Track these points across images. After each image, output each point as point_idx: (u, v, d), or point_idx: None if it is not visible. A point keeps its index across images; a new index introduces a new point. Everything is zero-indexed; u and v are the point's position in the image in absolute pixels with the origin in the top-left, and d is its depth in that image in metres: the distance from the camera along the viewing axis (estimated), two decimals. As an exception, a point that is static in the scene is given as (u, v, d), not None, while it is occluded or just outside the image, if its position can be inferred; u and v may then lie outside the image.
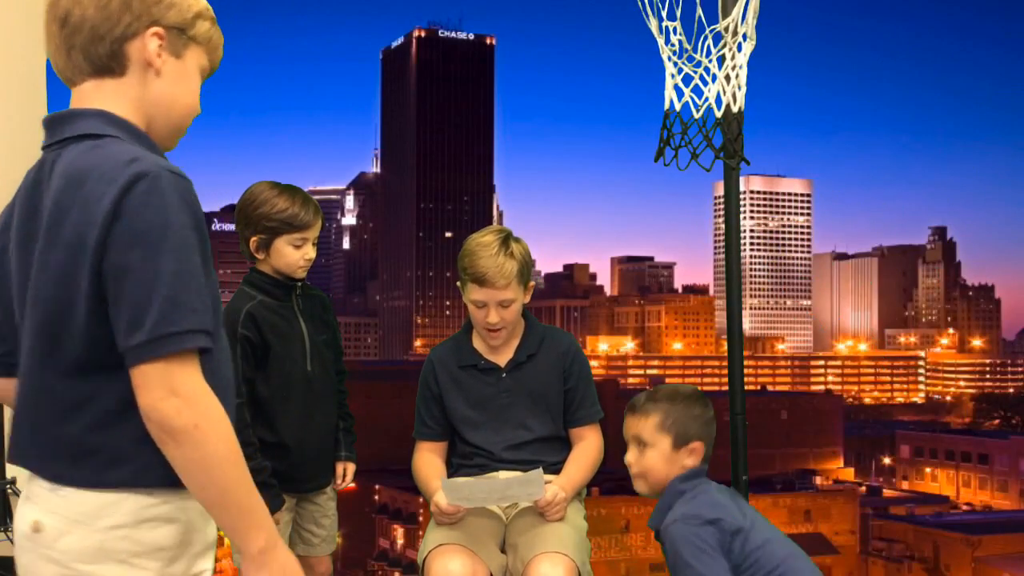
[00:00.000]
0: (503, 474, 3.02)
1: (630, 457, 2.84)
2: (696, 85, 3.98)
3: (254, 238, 3.31)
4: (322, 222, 3.39)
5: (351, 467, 3.51)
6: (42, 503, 1.71)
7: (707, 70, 3.95)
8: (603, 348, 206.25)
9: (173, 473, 1.68)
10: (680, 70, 3.99)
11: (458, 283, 3.16)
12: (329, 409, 3.44)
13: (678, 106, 4.00)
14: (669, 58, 3.99)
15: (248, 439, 3.25)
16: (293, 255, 3.30)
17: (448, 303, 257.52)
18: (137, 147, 1.76)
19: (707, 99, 3.97)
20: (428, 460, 3.17)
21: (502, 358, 3.16)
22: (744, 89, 4.00)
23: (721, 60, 3.94)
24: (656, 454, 2.79)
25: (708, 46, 3.91)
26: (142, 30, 1.83)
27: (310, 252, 3.34)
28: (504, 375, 3.14)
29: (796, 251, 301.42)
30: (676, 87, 4.02)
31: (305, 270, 3.36)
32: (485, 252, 3.03)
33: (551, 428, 3.15)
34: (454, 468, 3.18)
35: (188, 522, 1.75)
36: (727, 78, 3.95)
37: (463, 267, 3.08)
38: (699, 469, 2.83)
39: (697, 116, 3.99)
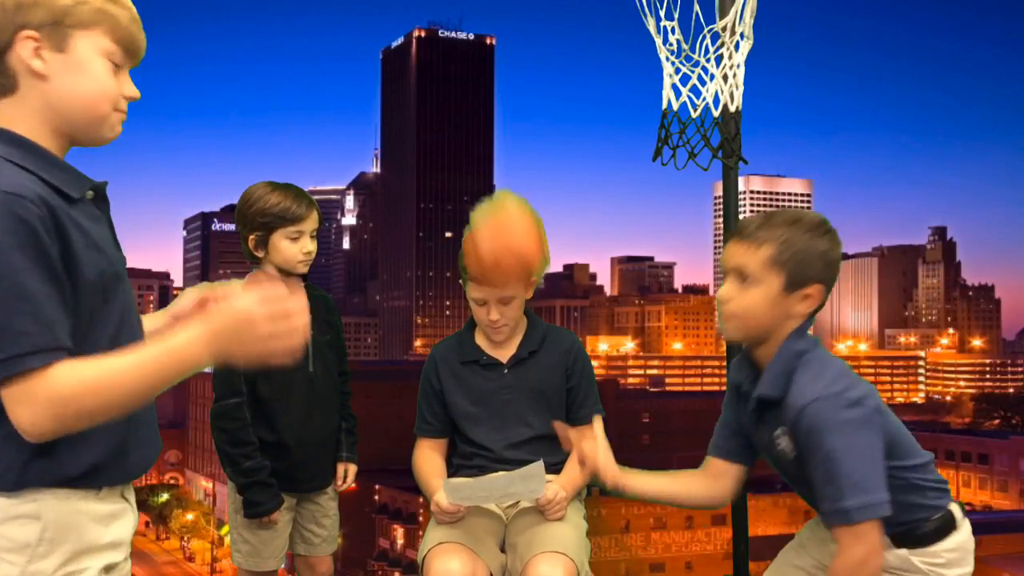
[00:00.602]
0: (503, 473, 3.01)
1: (727, 292, 2.37)
2: (694, 85, 3.98)
3: (252, 236, 3.32)
4: (318, 216, 3.39)
5: (352, 468, 3.51)
6: None
7: (705, 70, 3.95)
8: (603, 348, 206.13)
9: (36, 475, 1.74)
10: (678, 70, 3.99)
11: (460, 281, 3.17)
12: (330, 410, 3.44)
13: (676, 105, 4.00)
14: (667, 58, 3.99)
15: (247, 438, 3.25)
16: (290, 249, 3.30)
17: (448, 303, 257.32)
18: (9, 167, 1.75)
19: (705, 99, 3.97)
20: (428, 457, 3.17)
21: (504, 354, 3.16)
22: (742, 89, 4.00)
23: (719, 60, 3.94)
24: (761, 294, 2.31)
25: (706, 46, 3.91)
26: (11, 39, 1.79)
27: (308, 245, 3.34)
28: (506, 371, 3.14)
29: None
30: (674, 87, 4.02)
31: (306, 265, 3.36)
32: None
33: (552, 426, 3.14)
34: (454, 468, 3.17)
35: (57, 520, 1.76)
36: (724, 77, 3.95)
37: (463, 266, 3.09)
38: (809, 323, 2.35)
39: (695, 116, 3.98)
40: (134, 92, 1.91)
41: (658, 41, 3.97)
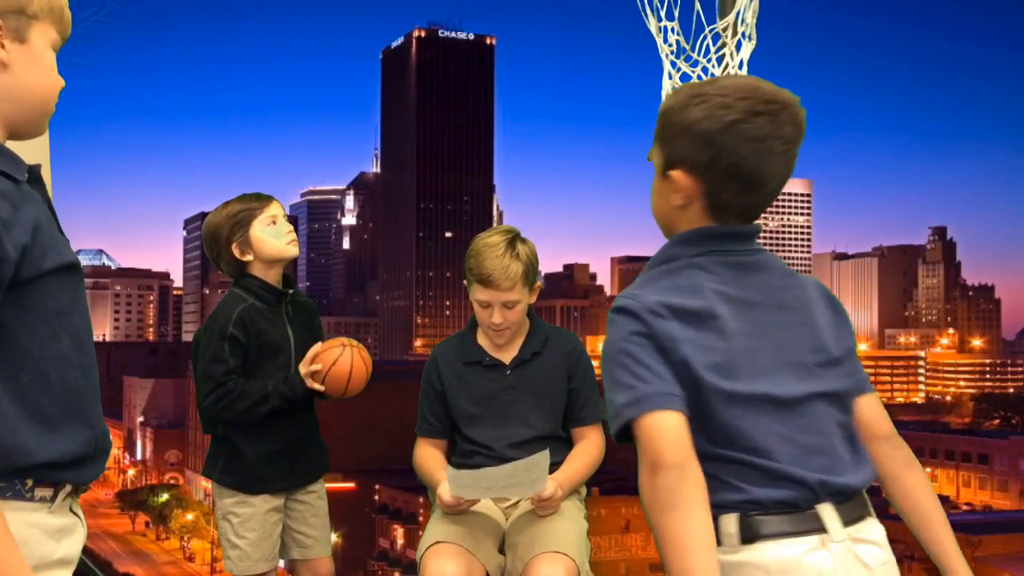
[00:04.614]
0: (508, 464, 2.99)
1: None
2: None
3: (234, 244, 3.31)
4: (277, 204, 3.39)
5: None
6: None
7: (705, 70, 3.95)
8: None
9: None
10: (679, 69, 3.99)
11: (464, 281, 3.17)
12: (311, 413, 3.45)
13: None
14: (667, 56, 3.99)
15: (238, 389, 3.23)
16: (273, 233, 3.32)
17: (448, 303, 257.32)
18: None
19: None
20: (430, 454, 3.18)
21: (507, 355, 3.17)
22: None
23: (720, 59, 3.94)
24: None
25: (707, 45, 3.91)
26: None
27: (286, 226, 3.35)
28: (508, 372, 3.15)
29: (796, 251, 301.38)
30: (674, 87, 4.02)
31: (295, 244, 3.37)
32: (491, 253, 3.04)
33: (553, 426, 3.15)
34: (454, 467, 3.18)
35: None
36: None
37: (469, 267, 3.09)
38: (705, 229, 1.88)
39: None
40: (63, 82, 1.84)
41: (659, 40, 3.96)
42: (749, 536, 1.75)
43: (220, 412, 3.25)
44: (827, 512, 1.78)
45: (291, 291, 3.40)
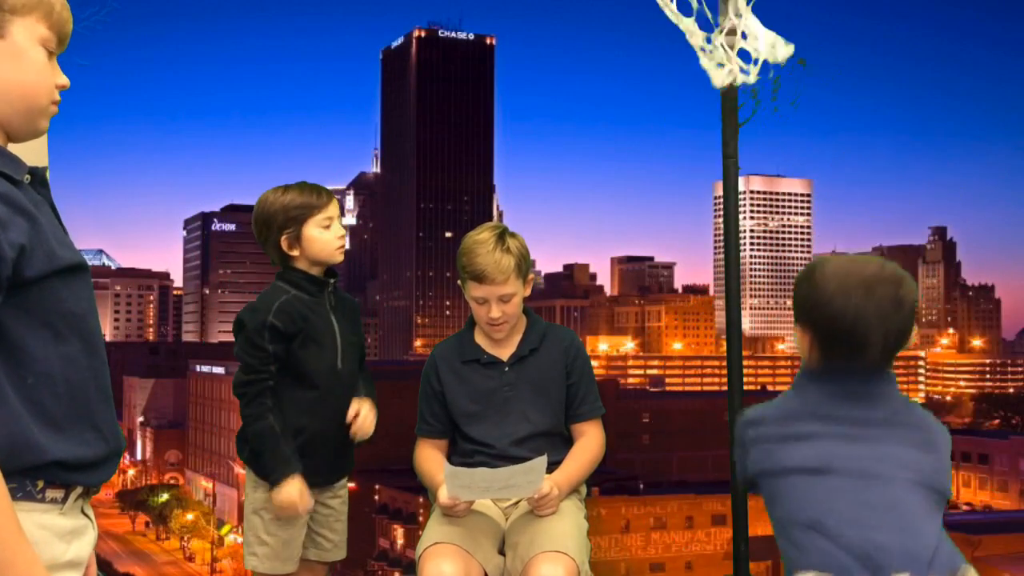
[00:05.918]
0: (506, 467, 2.99)
1: None
2: (741, 49, 3.96)
3: (283, 237, 3.30)
4: (336, 203, 3.38)
5: (367, 402, 3.42)
6: None
7: (744, 35, 3.91)
8: (603, 348, 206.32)
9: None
10: (709, 41, 3.95)
11: (459, 281, 3.18)
12: (347, 406, 3.40)
13: (724, 81, 3.96)
14: (702, 46, 3.96)
15: (264, 413, 3.20)
16: (325, 236, 3.30)
17: (448, 303, 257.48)
18: None
19: (757, 59, 3.93)
20: (431, 455, 3.19)
21: (505, 352, 3.18)
22: (774, 36, 3.96)
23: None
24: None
25: (736, 8, 3.88)
26: None
27: (340, 230, 3.35)
28: (507, 369, 3.16)
29: (796, 251, 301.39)
30: (719, 63, 3.99)
31: (342, 251, 3.36)
32: (482, 249, 3.06)
33: (552, 423, 3.15)
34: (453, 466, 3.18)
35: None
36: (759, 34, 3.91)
37: (462, 265, 3.11)
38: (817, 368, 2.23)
39: (754, 74, 3.94)
40: (66, 81, 1.81)
41: (686, 25, 3.95)
42: None
43: (243, 410, 3.22)
44: None
45: (332, 279, 3.38)
